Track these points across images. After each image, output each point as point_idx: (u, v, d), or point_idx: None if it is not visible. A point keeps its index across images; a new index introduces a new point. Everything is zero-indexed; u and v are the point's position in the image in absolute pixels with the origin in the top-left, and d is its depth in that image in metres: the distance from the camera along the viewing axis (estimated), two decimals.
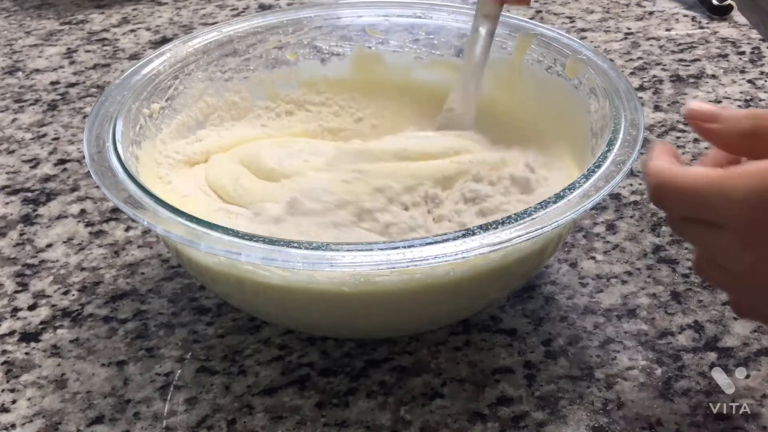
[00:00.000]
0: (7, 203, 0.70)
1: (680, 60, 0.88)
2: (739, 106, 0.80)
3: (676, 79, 0.84)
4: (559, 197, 0.47)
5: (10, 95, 0.86)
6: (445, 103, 0.65)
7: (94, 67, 0.91)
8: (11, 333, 0.58)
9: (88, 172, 0.57)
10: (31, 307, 0.60)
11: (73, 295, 0.61)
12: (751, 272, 0.43)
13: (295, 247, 0.45)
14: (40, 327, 0.58)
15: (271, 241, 0.46)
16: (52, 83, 0.88)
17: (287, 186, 0.59)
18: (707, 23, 0.95)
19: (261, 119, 0.68)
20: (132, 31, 0.99)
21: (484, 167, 0.59)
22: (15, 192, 0.72)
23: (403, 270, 0.47)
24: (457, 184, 0.58)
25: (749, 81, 0.84)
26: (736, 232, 0.42)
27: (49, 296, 0.61)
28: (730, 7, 0.96)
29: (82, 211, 0.69)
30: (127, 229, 0.67)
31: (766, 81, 0.84)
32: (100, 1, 1.07)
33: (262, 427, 0.50)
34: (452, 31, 0.69)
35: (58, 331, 0.58)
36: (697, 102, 0.47)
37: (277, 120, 0.69)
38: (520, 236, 0.45)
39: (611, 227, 0.65)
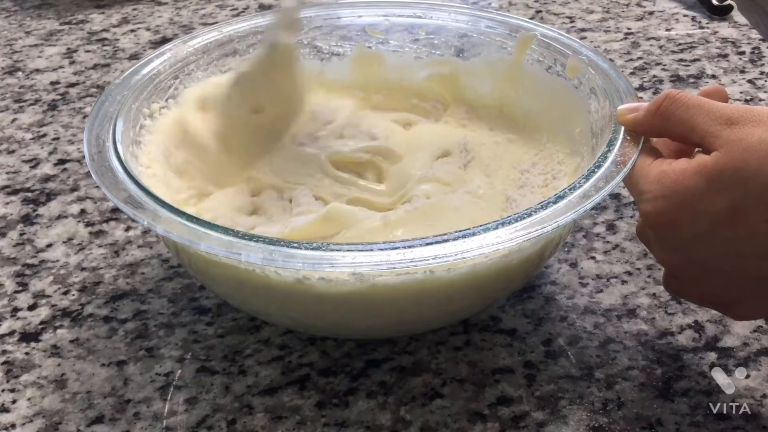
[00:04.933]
0: (7, 203, 0.70)
1: (680, 60, 0.88)
2: None
3: (676, 79, 0.84)
4: (559, 197, 0.47)
5: (10, 95, 0.86)
6: None
7: (94, 67, 0.91)
8: (11, 333, 0.58)
9: (88, 172, 0.57)
10: (31, 307, 0.60)
11: (73, 295, 0.61)
12: (667, 255, 0.48)
13: (295, 248, 0.45)
14: (40, 327, 0.58)
15: (271, 241, 0.46)
16: (52, 83, 0.88)
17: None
18: (707, 23, 0.95)
19: None
20: (132, 31, 0.99)
21: None
22: (15, 192, 0.72)
23: (403, 270, 0.47)
24: None
25: (749, 81, 0.84)
26: (644, 215, 0.47)
27: (49, 296, 0.61)
28: (730, 7, 0.96)
29: (82, 211, 0.69)
30: (127, 229, 0.67)
31: (766, 81, 0.84)
32: (100, 1, 1.07)
33: (262, 427, 0.50)
34: (452, 31, 0.69)
35: (58, 331, 0.58)
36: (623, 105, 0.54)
37: None
38: (520, 236, 0.45)
39: (611, 227, 0.65)
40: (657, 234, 0.48)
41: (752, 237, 0.44)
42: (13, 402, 0.53)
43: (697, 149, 0.48)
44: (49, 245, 0.65)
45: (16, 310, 0.60)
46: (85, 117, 0.80)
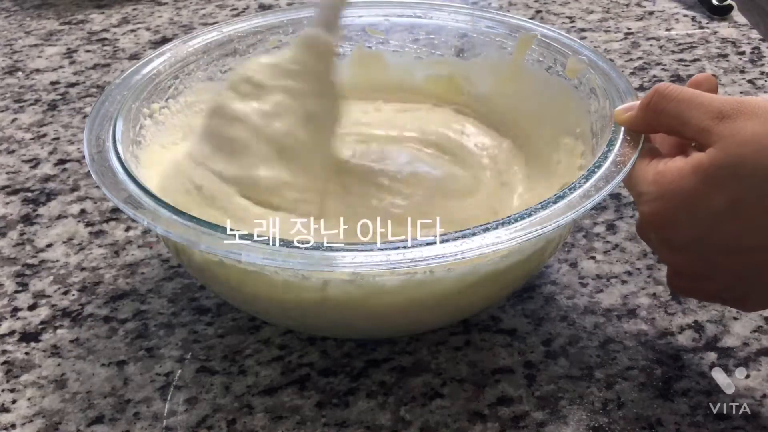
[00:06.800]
0: (7, 203, 0.70)
1: (680, 60, 0.88)
2: None
3: (676, 79, 0.84)
4: (559, 197, 0.47)
5: (10, 95, 0.86)
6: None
7: (94, 67, 0.91)
8: (11, 333, 0.58)
9: (88, 172, 0.57)
10: (31, 307, 0.60)
11: (73, 295, 0.61)
12: (669, 251, 0.48)
13: (295, 247, 0.45)
14: (40, 327, 0.58)
15: (271, 242, 0.46)
16: (52, 83, 0.88)
17: None
18: (707, 23, 0.95)
19: None
20: (132, 31, 0.99)
21: None
22: (15, 192, 0.72)
23: (403, 270, 0.47)
24: None
25: (749, 81, 0.84)
26: (644, 216, 0.48)
27: (49, 296, 0.61)
28: (730, 7, 0.96)
29: (82, 211, 0.69)
30: (127, 229, 0.67)
31: (766, 81, 0.84)
32: (100, 1, 1.07)
33: (262, 427, 0.50)
34: (452, 31, 0.69)
35: (58, 331, 0.58)
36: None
37: None
38: (520, 236, 0.45)
39: (611, 227, 0.65)
40: (659, 235, 0.48)
41: (755, 230, 0.44)
42: (13, 402, 0.53)
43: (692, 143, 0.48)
44: (49, 245, 0.65)
45: (16, 310, 0.60)
46: (85, 117, 0.80)
